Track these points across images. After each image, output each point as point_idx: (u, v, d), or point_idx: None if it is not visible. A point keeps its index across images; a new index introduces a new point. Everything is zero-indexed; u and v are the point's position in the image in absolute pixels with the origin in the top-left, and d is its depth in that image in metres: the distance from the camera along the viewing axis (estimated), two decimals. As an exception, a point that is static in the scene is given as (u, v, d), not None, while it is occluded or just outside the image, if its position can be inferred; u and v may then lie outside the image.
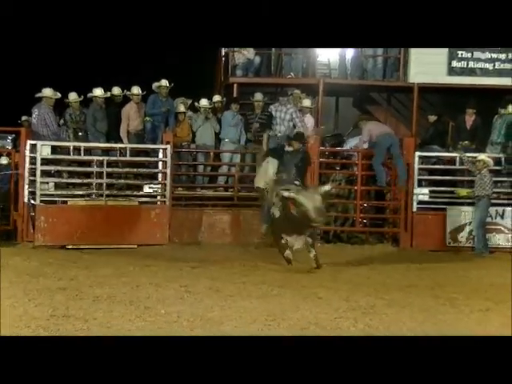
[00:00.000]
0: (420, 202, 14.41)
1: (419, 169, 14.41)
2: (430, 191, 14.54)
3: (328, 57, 17.35)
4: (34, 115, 14.18)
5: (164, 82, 14.71)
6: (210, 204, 14.81)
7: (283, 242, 11.45)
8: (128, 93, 14.63)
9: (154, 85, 14.77)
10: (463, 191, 14.04)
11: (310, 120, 15.25)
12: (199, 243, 14.04)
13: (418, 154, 14.40)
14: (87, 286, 9.36)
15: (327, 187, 11.57)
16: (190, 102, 15.04)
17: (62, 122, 14.62)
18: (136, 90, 14.61)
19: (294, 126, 14.67)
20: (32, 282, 9.69)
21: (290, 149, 12.61)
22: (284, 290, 9.43)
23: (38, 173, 13.58)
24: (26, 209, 13.69)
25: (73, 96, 14.41)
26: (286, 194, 11.05)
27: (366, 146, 14.57)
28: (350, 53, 16.87)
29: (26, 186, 13.69)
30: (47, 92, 14.14)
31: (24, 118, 15.02)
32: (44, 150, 13.73)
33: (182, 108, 14.81)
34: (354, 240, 14.56)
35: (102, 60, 18.13)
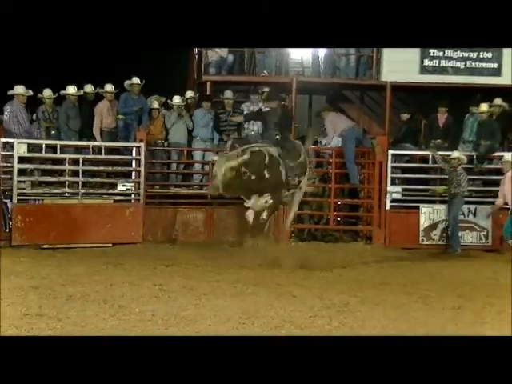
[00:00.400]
0: (393, 200, 14.49)
1: (392, 167, 14.49)
2: (403, 189, 14.61)
3: (301, 55, 17.35)
4: (5, 113, 14.06)
5: (136, 80, 14.66)
6: (184, 202, 14.77)
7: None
8: (101, 90, 14.55)
9: (126, 83, 14.70)
10: (440, 188, 14.14)
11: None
12: (173, 241, 14.02)
13: (390, 152, 14.48)
14: (60, 285, 9.31)
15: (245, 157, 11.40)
16: (163, 99, 15.00)
17: (34, 118, 14.51)
18: (109, 87, 14.54)
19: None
20: (4, 280, 9.62)
21: (267, 109, 12.73)
22: (258, 288, 9.45)
23: (15, 171, 13.45)
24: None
25: (47, 92, 14.30)
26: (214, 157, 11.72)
27: (334, 140, 14.66)
28: (322, 51, 16.89)
29: (-3, 185, 13.57)
30: (19, 89, 14.02)
31: (-4, 116, 14.86)
32: (20, 147, 13.61)
33: (155, 105, 14.75)
34: (329, 238, 14.61)
35: (75, 58, 17.97)
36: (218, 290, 9.20)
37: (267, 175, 11.50)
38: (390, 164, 14.41)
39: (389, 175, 14.41)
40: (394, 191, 14.51)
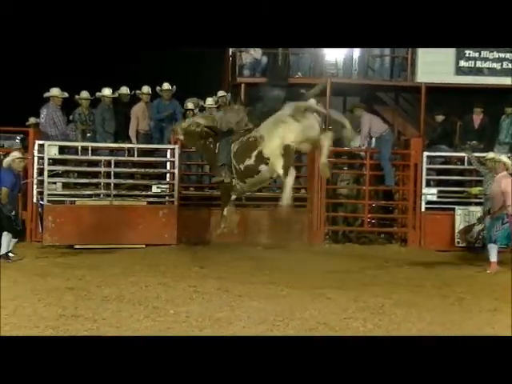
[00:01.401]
0: (428, 202, 14.40)
1: (427, 169, 14.41)
2: (438, 191, 14.52)
3: (335, 56, 17.30)
4: (42, 115, 14.22)
5: (166, 86, 14.73)
6: (218, 204, 14.79)
7: None
8: (138, 92, 14.65)
9: (157, 88, 14.78)
10: (475, 189, 13.99)
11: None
12: (207, 243, 14.04)
13: (426, 154, 14.40)
14: (95, 286, 9.38)
15: None
16: (201, 102, 15.02)
17: (71, 118, 14.62)
18: (146, 89, 14.65)
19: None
20: (40, 282, 9.72)
21: None
22: (293, 290, 9.44)
23: (46, 173, 13.62)
24: (34, 209, 13.73)
25: (84, 94, 14.43)
26: None
27: (366, 140, 14.63)
28: (357, 52, 16.85)
29: (35, 186, 13.73)
30: (55, 92, 14.17)
31: (31, 120, 15.00)
32: (51, 150, 13.78)
33: (190, 105, 14.80)
34: (363, 240, 14.56)
35: (111, 60, 18.12)
36: (253, 292, 9.20)
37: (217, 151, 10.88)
38: (424, 166, 14.33)
39: (424, 177, 14.34)
40: (429, 193, 14.42)
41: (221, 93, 15.39)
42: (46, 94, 14.19)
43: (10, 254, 11.83)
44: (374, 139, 14.83)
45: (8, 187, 11.92)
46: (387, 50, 16.68)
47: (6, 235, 11.85)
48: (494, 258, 11.84)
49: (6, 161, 12.47)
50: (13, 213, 11.91)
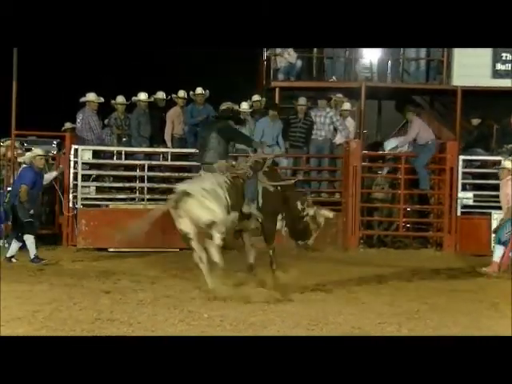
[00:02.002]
0: (464, 206, 14.30)
1: (463, 172, 14.31)
2: (475, 195, 14.40)
3: (370, 59, 17.25)
4: (78, 120, 14.35)
5: (199, 90, 14.79)
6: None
7: None
8: (174, 96, 14.73)
9: (191, 93, 14.84)
10: None
11: (351, 123, 15.26)
12: (240, 248, 14.02)
13: (462, 157, 14.30)
14: (131, 290, 9.42)
15: None
16: (236, 106, 15.03)
17: (106, 122, 14.73)
18: (182, 93, 14.73)
19: (335, 130, 14.76)
20: (76, 285, 9.80)
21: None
22: (327, 294, 9.41)
23: (79, 177, 13.77)
24: (70, 213, 13.86)
25: (120, 99, 14.55)
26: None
27: (406, 146, 14.58)
28: (391, 55, 16.78)
29: (71, 190, 13.86)
30: (91, 96, 14.29)
31: (67, 125, 15.13)
32: (85, 154, 13.91)
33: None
34: (398, 244, 14.49)
35: (147, 65, 18.26)
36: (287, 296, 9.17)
37: None
38: (460, 170, 14.23)
39: (460, 181, 14.24)
40: (465, 197, 14.31)
41: (255, 97, 15.41)
42: (82, 99, 14.33)
43: (13, 260, 11.90)
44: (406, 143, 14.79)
45: (28, 185, 11.91)
46: (423, 53, 16.60)
47: (29, 238, 11.87)
48: (496, 258, 11.76)
49: (28, 157, 12.50)
50: (31, 212, 11.91)
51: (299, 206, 10.18)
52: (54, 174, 13.61)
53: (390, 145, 15.22)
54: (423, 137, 14.49)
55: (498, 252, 11.80)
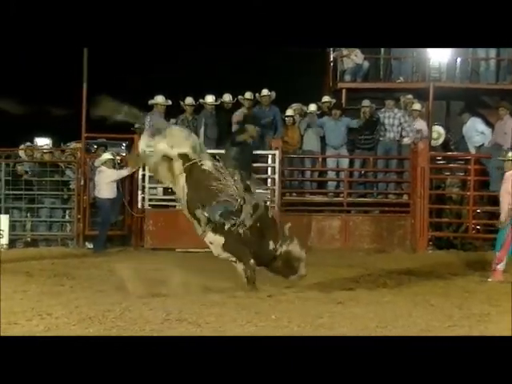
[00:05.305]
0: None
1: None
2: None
3: (438, 60, 17.05)
4: (146, 122, 14.51)
5: (265, 92, 14.81)
6: (319, 209, 14.79)
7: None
8: (240, 97, 14.80)
9: (256, 95, 14.88)
10: None
11: (421, 124, 15.10)
12: (309, 248, 14.02)
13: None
14: (199, 291, 9.47)
15: None
16: (305, 108, 15.04)
17: (173, 122, 14.87)
18: (248, 95, 14.79)
19: (403, 131, 14.66)
20: (145, 286, 9.89)
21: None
22: (395, 296, 9.33)
23: (147, 178, 13.94)
24: (138, 214, 14.05)
25: (189, 100, 14.70)
26: None
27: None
28: (460, 56, 16.57)
29: (139, 192, 14.04)
30: (159, 99, 14.47)
31: (137, 125, 15.35)
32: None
33: (289, 112, 14.85)
34: (468, 246, 14.29)
35: (214, 67, 18.40)
36: (355, 298, 9.13)
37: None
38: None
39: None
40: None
41: (325, 98, 15.38)
42: (151, 102, 14.51)
43: None
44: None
45: None
46: (492, 53, 16.34)
47: None
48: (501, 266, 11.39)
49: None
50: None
51: (271, 246, 9.60)
52: (125, 171, 13.93)
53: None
54: (504, 138, 14.24)
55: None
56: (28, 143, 15.55)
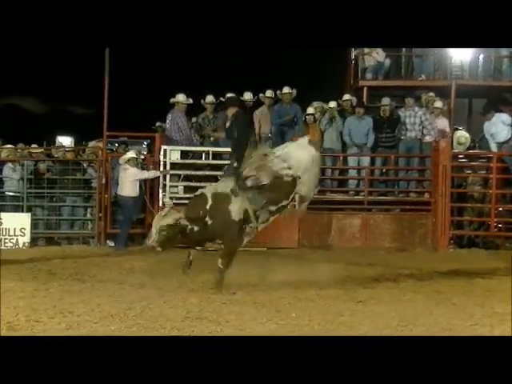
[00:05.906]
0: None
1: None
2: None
3: (460, 58, 16.98)
4: (167, 120, 14.58)
5: (286, 89, 14.80)
6: (340, 208, 14.77)
7: None
8: (261, 95, 14.80)
9: (277, 92, 14.87)
10: None
11: (443, 122, 15.03)
12: (329, 247, 14.01)
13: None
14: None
15: None
16: (326, 106, 15.01)
17: (193, 120, 14.90)
18: (269, 92, 14.80)
19: (424, 128, 14.60)
20: (166, 283, 9.93)
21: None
22: (416, 295, 9.30)
23: (168, 176, 14.01)
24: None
25: (209, 98, 14.74)
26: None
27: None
28: (483, 53, 16.49)
29: (160, 190, 14.08)
30: (180, 97, 14.50)
31: (158, 124, 15.44)
32: (173, 154, 14.14)
33: (310, 110, 14.82)
34: (489, 245, 14.21)
35: (235, 65, 18.43)
36: (375, 297, 9.11)
37: (209, 222, 9.57)
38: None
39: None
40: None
41: (346, 96, 15.34)
42: (172, 100, 14.55)
43: None
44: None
45: None
46: (517, 50, 16.28)
47: None
48: None
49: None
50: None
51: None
52: (157, 172, 14.04)
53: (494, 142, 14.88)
54: None
55: None
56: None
